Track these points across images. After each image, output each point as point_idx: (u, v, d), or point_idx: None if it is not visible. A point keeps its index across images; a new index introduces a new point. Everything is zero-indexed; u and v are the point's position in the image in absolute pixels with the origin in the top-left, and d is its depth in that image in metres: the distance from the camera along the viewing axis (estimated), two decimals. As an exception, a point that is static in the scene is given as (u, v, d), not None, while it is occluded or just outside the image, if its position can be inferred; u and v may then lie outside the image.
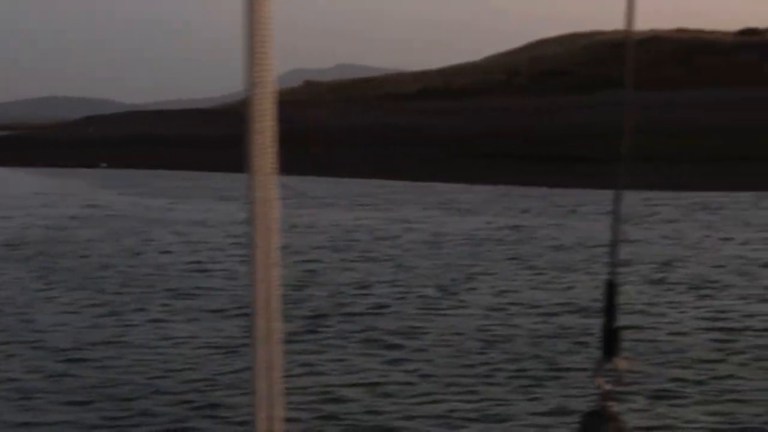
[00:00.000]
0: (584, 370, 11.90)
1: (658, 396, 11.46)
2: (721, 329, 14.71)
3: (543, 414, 10.91)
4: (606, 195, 30.23)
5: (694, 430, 10.44)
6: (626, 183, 2.47)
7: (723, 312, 15.72)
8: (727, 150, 44.42)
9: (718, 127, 56.81)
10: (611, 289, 2.39)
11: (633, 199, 30.88)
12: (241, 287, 17.48)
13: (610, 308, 2.38)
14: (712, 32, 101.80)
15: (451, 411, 11.06)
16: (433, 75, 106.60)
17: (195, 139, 68.36)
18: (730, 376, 12.28)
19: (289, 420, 2.10)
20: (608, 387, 2.30)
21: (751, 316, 15.41)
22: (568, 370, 12.41)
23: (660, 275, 18.98)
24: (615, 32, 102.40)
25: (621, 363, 2.30)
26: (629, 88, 2.66)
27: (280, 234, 2.06)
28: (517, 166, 42.28)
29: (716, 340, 14.12)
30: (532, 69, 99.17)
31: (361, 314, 16.04)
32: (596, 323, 2.31)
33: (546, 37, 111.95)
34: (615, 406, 2.31)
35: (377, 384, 12.14)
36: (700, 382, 12.07)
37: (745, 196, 30.89)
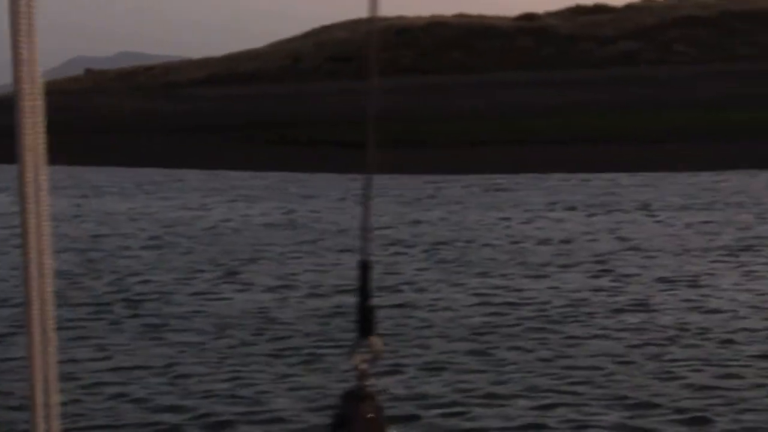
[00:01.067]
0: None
1: (430, 368, 11.93)
2: (493, 304, 15.26)
3: (309, 389, 11.23)
4: (386, 179, 30.85)
5: (466, 398, 10.88)
6: (375, 167, 2.56)
7: (496, 288, 16.30)
8: (506, 132, 45.44)
9: (498, 109, 58.12)
10: (364, 269, 2.48)
11: (416, 182, 31.41)
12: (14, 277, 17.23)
13: (363, 288, 2.46)
14: (492, 17, 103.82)
15: (210, 391, 11.33)
16: (217, 62, 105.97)
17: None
18: (498, 348, 12.80)
19: (64, 404, 2.15)
20: (365, 366, 2.36)
21: (520, 290, 16.10)
22: (338, 348, 12.72)
23: (438, 255, 19.46)
24: (399, 18, 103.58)
25: (376, 342, 2.37)
26: (372, 75, 2.76)
27: (53, 223, 2.10)
28: (301, 152, 42.46)
29: (489, 314, 14.64)
30: (317, 54, 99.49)
31: (141, 301, 16.09)
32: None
33: (331, 22, 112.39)
34: (371, 385, 2.37)
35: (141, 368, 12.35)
36: (472, 352, 12.57)
37: (525, 178, 31.69)
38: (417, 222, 23.93)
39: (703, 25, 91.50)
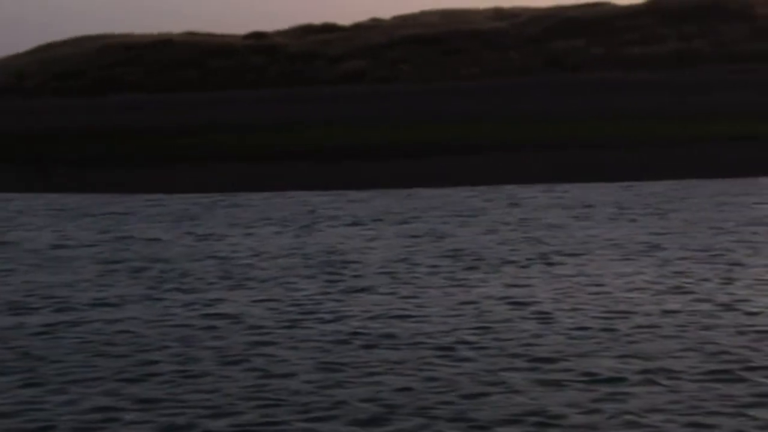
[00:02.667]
0: None
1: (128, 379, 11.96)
2: (210, 316, 15.33)
3: None
4: (90, 198, 30.60)
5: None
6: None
7: (212, 303, 16.44)
8: (241, 148, 45.49)
9: (229, 125, 58.14)
10: None
11: (137, 200, 31.11)
12: None
13: None
14: (222, 35, 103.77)
15: None
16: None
17: None
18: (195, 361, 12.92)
19: None
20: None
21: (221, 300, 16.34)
22: None
23: (144, 273, 19.40)
24: (125, 35, 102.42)
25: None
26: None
27: None
28: (19, 169, 41.49)
29: (209, 327, 14.69)
30: (43, 71, 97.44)
31: None
32: None
33: (57, 39, 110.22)
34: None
35: None
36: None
37: (263, 196, 31.78)
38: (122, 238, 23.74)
39: (428, 44, 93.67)
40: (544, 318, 15.15)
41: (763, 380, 11.88)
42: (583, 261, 19.47)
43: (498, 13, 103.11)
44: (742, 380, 11.90)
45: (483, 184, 31.96)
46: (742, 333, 13.97)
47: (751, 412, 10.83)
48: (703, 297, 16.15)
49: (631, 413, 10.87)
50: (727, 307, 15.46)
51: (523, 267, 19.11)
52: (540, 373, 12.36)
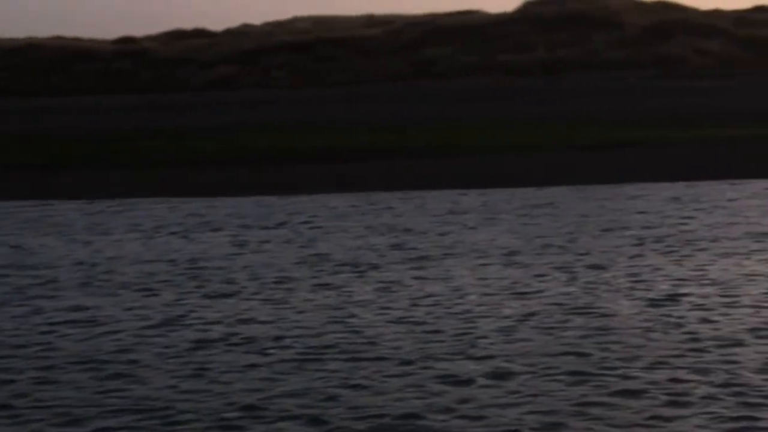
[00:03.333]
0: None
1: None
2: (70, 322, 15.24)
3: None
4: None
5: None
6: None
7: (74, 308, 16.37)
8: (111, 155, 45.06)
9: (89, 133, 57.53)
10: None
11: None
12: None
13: None
14: (90, 40, 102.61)
15: None
16: None
17: None
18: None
19: None
20: None
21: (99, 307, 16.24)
22: None
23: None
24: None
25: None
26: None
27: None
28: None
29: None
30: None
31: None
32: None
33: None
34: None
35: None
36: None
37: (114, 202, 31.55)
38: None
39: (300, 51, 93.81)
40: (406, 321, 15.32)
41: (612, 380, 12.18)
42: (447, 265, 19.70)
43: (371, 21, 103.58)
44: (590, 380, 12.19)
45: (352, 191, 32.12)
46: (590, 336, 14.29)
47: (594, 410, 11.10)
48: (558, 300, 16.46)
49: (484, 415, 11.08)
50: (580, 309, 15.79)
51: (387, 272, 19.28)
52: (401, 376, 12.51)
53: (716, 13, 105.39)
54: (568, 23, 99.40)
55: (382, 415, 11.12)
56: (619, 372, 12.50)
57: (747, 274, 18.07)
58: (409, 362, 13.13)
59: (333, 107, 68.35)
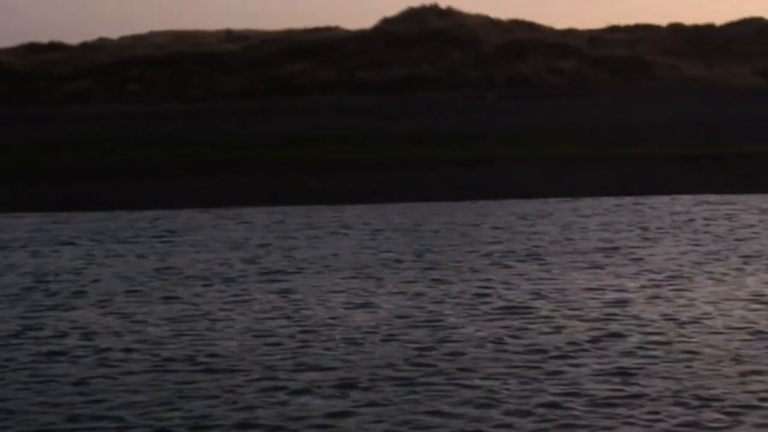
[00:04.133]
0: None
1: None
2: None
3: None
4: None
5: None
6: None
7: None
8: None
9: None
10: None
11: None
12: None
13: None
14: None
15: None
16: None
17: None
18: None
19: None
20: None
21: None
22: None
23: None
24: None
25: None
26: None
27: None
28: None
29: None
30: None
31: None
32: None
33: None
34: None
35: None
36: None
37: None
38: None
39: (157, 65, 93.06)
40: (254, 333, 15.45)
41: (450, 388, 12.47)
42: (297, 279, 19.87)
43: (229, 36, 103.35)
44: (430, 390, 12.47)
45: (206, 206, 32.07)
46: (433, 348, 14.60)
47: (436, 419, 11.35)
48: (399, 313, 16.74)
49: (326, 424, 11.27)
50: (425, 323, 16.09)
51: (238, 285, 19.38)
52: (244, 386, 12.65)
53: (571, 33, 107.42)
54: (425, 41, 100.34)
55: (221, 425, 11.26)
56: (460, 382, 12.79)
57: (592, 288, 18.55)
58: (252, 372, 13.26)
59: (190, 122, 68.02)
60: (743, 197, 31.71)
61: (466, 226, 26.76)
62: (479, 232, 25.66)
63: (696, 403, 11.92)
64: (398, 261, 21.75)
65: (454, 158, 43.77)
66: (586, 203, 31.13)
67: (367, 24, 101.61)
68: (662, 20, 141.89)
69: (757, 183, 34.62)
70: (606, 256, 21.84)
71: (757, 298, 17.57)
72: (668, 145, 46.49)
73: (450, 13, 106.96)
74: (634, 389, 12.42)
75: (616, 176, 37.19)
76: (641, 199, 31.57)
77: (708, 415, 11.50)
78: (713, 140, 47.74)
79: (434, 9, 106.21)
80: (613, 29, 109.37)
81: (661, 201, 31.25)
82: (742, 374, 13.00)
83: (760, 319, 16.00)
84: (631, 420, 11.35)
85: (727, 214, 28.18)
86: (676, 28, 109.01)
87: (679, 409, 11.68)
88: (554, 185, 35.05)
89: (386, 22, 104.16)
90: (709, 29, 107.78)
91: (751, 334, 15.09)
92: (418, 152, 45.58)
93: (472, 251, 22.83)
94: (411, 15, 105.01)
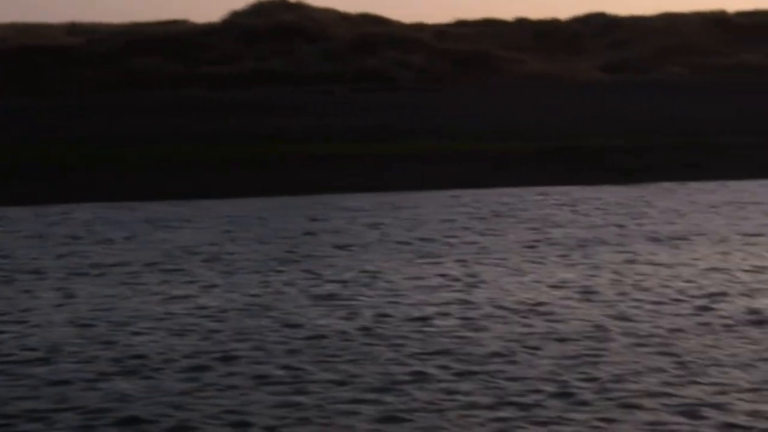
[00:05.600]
0: None
1: None
2: None
3: None
4: None
5: None
6: None
7: None
8: None
9: None
10: None
11: None
12: None
13: None
14: None
15: None
16: None
17: None
18: None
19: None
20: None
21: None
22: None
23: None
24: None
25: None
26: None
27: None
28: None
29: None
30: None
31: None
32: None
33: None
34: None
35: None
36: None
37: None
38: None
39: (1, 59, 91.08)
40: (77, 326, 15.35)
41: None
42: (119, 274, 19.78)
43: (73, 29, 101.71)
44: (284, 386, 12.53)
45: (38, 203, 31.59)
46: (286, 342, 14.67)
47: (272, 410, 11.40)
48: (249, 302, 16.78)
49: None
50: (267, 313, 16.14)
51: (56, 281, 19.24)
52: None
53: (419, 27, 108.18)
54: (275, 35, 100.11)
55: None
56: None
57: (416, 276, 18.79)
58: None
59: (37, 118, 66.81)
60: (587, 189, 32.35)
61: (313, 221, 26.82)
62: (324, 225, 25.76)
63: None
64: (237, 253, 21.72)
65: (299, 153, 43.78)
66: (430, 195, 31.50)
67: (215, 17, 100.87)
68: (508, 15, 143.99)
69: (598, 176, 35.34)
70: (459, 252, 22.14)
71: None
72: (512, 139, 47.12)
73: (299, 6, 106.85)
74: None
75: (461, 171, 37.65)
76: (479, 193, 32.04)
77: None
78: (558, 134, 48.57)
79: (283, 3, 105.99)
80: (461, 24, 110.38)
81: (494, 193, 31.73)
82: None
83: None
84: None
85: (556, 204, 28.77)
86: (521, 23, 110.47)
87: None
88: (401, 179, 35.33)
89: (235, 16, 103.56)
90: (553, 24, 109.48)
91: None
92: (257, 149, 45.45)
93: (318, 244, 22.93)
94: (259, 9, 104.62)
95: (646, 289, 18.00)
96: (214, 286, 18.61)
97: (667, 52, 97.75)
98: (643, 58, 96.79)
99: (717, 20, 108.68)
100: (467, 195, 31.06)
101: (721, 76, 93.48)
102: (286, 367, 13.34)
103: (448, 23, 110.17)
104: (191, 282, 18.91)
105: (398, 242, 22.92)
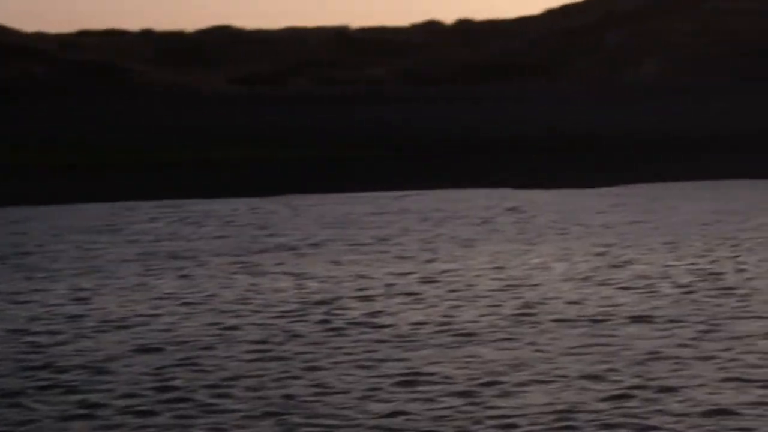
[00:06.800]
0: None
1: None
2: None
3: None
4: None
5: None
6: None
7: None
8: None
9: None
10: None
11: None
12: None
13: None
14: None
15: None
16: None
17: None
18: None
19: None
20: None
21: None
22: None
23: None
24: None
25: None
26: None
27: None
28: None
29: None
30: None
31: None
32: None
33: None
34: None
35: None
36: None
37: None
38: None
39: None
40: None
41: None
42: None
43: None
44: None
45: None
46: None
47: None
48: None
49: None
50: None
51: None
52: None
53: (40, 36, 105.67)
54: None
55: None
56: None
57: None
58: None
59: None
60: (237, 201, 32.27)
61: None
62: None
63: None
64: None
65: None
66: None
67: None
68: (134, 25, 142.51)
69: (243, 188, 35.35)
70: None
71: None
72: (139, 150, 46.47)
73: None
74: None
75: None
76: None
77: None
78: (182, 146, 48.24)
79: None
80: (85, 33, 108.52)
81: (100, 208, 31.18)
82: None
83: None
84: None
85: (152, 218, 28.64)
86: (147, 34, 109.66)
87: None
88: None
89: None
90: (179, 35, 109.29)
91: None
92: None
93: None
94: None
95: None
96: None
97: (296, 64, 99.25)
98: (272, 71, 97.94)
99: (340, 35, 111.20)
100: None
101: (345, 88, 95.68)
102: None
103: (72, 33, 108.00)
104: None
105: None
